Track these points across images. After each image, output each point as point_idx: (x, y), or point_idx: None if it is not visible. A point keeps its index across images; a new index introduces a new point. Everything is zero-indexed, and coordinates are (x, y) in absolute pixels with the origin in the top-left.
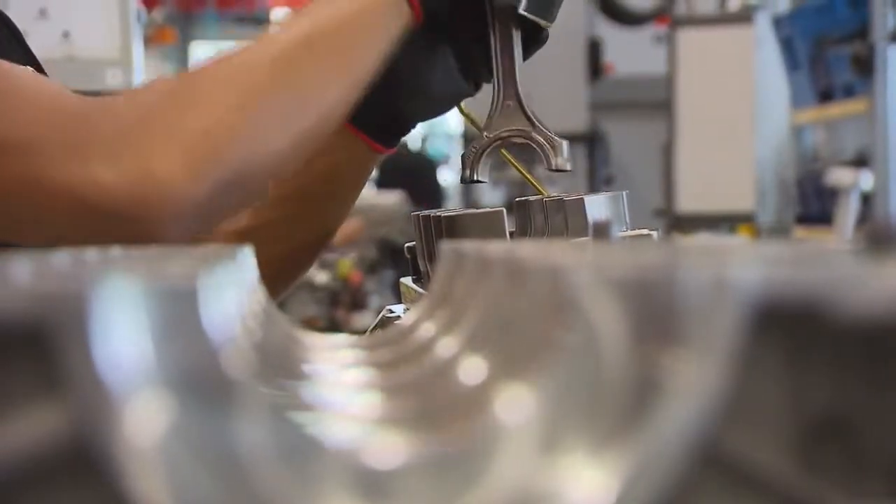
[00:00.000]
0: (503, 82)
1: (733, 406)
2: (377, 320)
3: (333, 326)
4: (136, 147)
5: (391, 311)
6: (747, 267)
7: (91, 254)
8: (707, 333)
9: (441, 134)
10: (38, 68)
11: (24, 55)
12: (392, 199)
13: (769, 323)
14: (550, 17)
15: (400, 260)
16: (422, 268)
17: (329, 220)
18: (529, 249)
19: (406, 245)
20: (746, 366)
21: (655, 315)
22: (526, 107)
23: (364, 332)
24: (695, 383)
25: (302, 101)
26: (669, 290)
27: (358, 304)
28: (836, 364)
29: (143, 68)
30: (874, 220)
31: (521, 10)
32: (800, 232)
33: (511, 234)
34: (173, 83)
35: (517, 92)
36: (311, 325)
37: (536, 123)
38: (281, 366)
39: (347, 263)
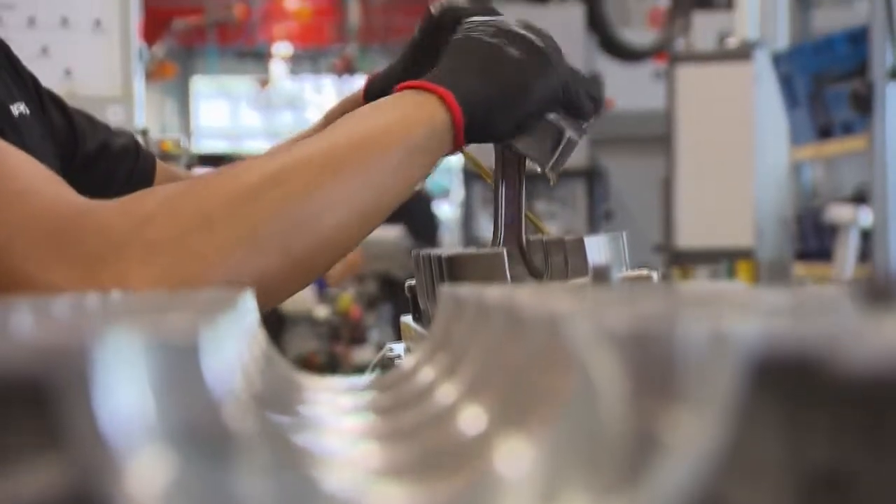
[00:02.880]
0: (507, 231)
1: (732, 461)
2: (377, 358)
3: (333, 361)
4: (117, 264)
5: (391, 350)
6: (745, 320)
7: (92, 301)
8: (705, 388)
9: (441, 168)
10: (38, 102)
11: (24, 89)
12: (392, 233)
13: (768, 377)
14: (558, 171)
15: (399, 294)
16: (422, 306)
17: None
18: (528, 296)
19: (407, 284)
20: (745, 420)
21: (654, 368)
22: (528, 257)
23: (364, 367)
24: (694, 438)
25: (305, 227)
26: (668, 343)
27: (357, 338)
28: (835, 420)
29: (143, 104)
30: (874, 272)
31: (547, 170)
32: (799, 268)
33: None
34: (172, 196)
35: (520, 241)
36: (311, 359)
37: (537, 276)
38: (281, 415)
39: (347, 298)
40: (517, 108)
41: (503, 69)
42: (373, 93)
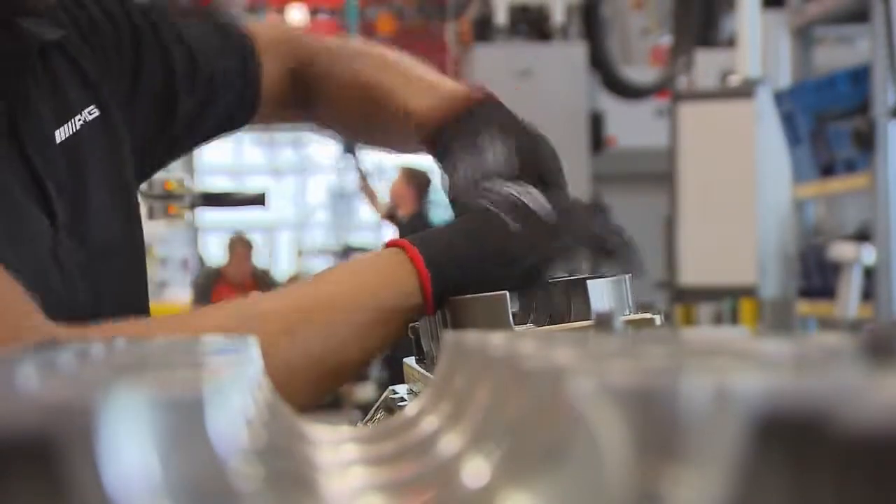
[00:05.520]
0: None
1: None
2: (380, 401)
3: (335, 398)
4: None
5: (394, 392)
6: (749, 376)
7: (97, 355)
8: (709, 445)
9: (443, 205)
10: (129, 77)
11: (107, 75)
12: None
13: (771, 435)
14: None
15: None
16: (425, 348)
17: None
18: (531, 347)
19: (410, 325)
20: (748, 479)
21: (657, 425)
22: None
23: (366, 404)
24: (697, 496)
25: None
26: (671, 400)
27: (359, 375)
28: (840, 478)
29: None
30: (876, 325)
31: None
32: (803, 306)
33: (514, 314)
34: (121, 330)
35: None
36: None
37: None
38: (286, 468)
39: None
40: (498, 279)
41: (491, 238)
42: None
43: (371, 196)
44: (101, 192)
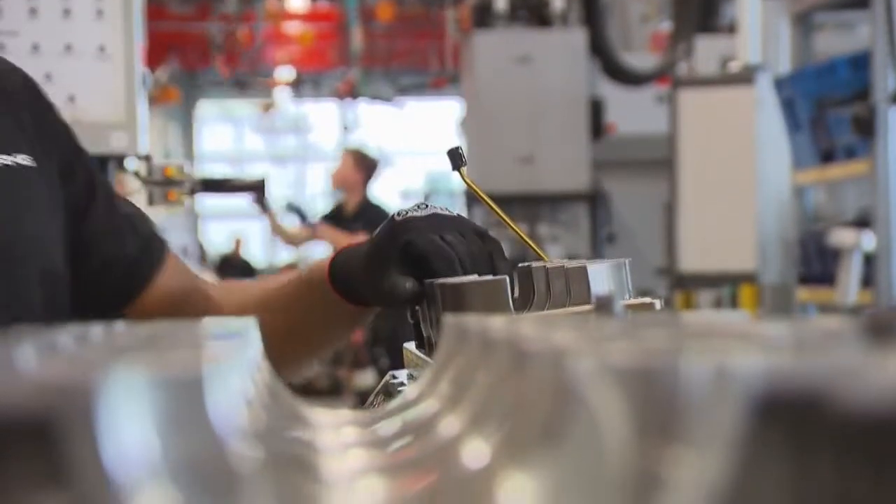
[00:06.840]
0: None
1: (735, 499)
2: (380, 386)
3: (335, 385)
4: None
5: (394, 377)
6: (748, 356)
7: (97, 335)
8: (709, 424)
9: (444, 191)
10: (60, 160)
11: (34, 140)
12: None
13: (771, 414)
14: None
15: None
16: (425, 333)
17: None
18: (532, 329)
19: (409, 310)
20: (748, 458)
21: (657, 406)
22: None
23: (366, 391)
24: (696, 475)
25: None
26: (671, 380)
27: (360, 362)
28: (839, 457)
29: (147, 129)
30: (876, 308)
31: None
32: (802, 292)
33: (514, 299)
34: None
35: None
36: (314, 384)
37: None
38: (286, 450)
39: None
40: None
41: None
42: (338, 264)
43: (282, 234)
44: (36, 223)
